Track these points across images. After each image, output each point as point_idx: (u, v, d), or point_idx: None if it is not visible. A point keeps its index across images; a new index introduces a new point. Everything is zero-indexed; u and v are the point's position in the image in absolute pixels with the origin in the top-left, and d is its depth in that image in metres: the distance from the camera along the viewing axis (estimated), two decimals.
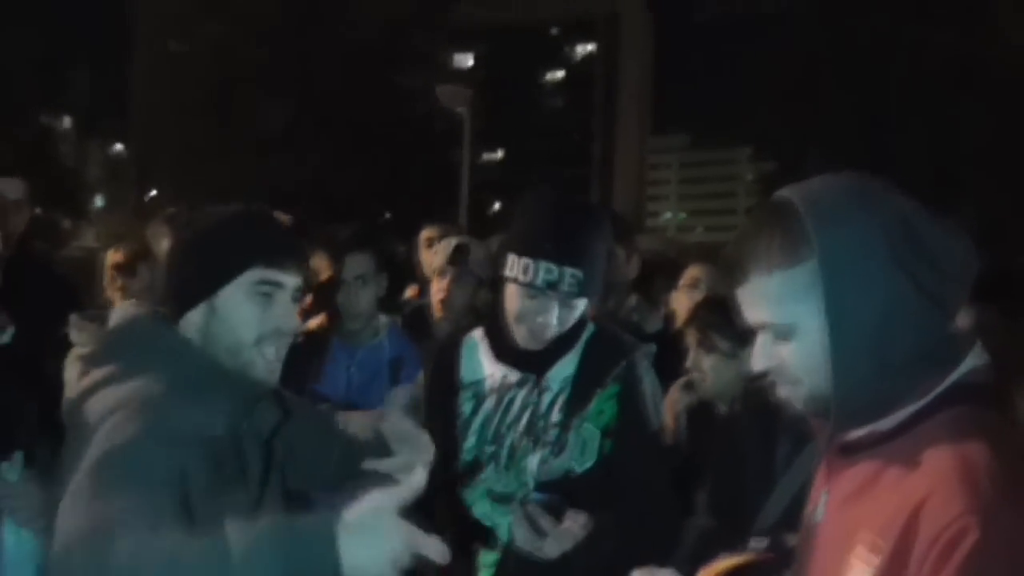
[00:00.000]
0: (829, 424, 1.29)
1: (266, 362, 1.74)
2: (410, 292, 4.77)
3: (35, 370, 2.86)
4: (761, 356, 1.32)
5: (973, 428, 1.20)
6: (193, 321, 1.74)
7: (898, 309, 1.19)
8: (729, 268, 1.30)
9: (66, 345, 3.13)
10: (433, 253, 4.03)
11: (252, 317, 1.72)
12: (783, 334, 1.27)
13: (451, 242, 3.79)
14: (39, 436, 2.04)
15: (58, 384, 2.70)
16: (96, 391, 1.68)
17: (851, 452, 1.30)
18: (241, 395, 1.75)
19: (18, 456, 1.85)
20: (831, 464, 1.36)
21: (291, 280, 1.77)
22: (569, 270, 2.12)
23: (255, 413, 1.79)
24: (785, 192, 1.29)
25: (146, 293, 3.04)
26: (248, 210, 1.81)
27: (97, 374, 1.70)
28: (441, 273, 3.71)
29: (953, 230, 1.24)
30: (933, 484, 1.15)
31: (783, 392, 1.33)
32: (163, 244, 2.74)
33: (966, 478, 1.13)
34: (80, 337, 1.78)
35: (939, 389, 1.23)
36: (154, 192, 34.65)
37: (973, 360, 1.25)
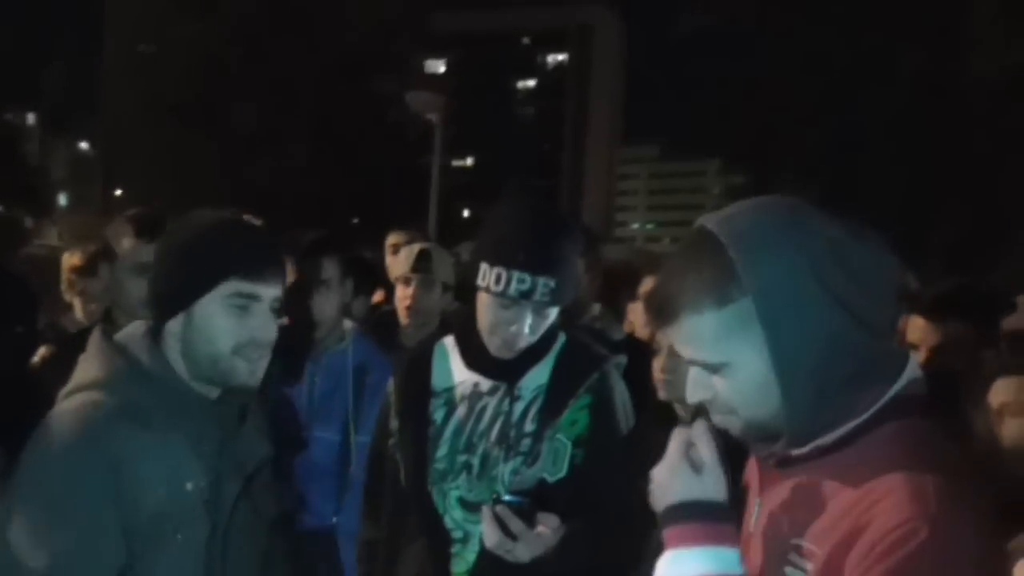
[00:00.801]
0: (763, 444, 1.32)
1: (246, 368, 1.77)
2: (376, 298, 4.74)
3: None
4: (695, 389, 1.33)
5: (912, 440, 1.23)
6: (173, 330, 1.78)
7: (835, 336, 1.21)
8: (658, 308, 1.30)
9: (25, 346, 3.09)
10: (397, 259, 4.01)
11: (228, 328, 1.75)
12: (716, 370, 1.28)
13: (414, 248, 3.77)
14: None
15: (15, 386, 2.67)
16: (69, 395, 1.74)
17: (788, 464, 1.31)
18: (214, 423, 1.79)
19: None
20: (764, 474, 1.38)
21: (268, 291, 1.79)
22: (542, 279, 2.12)
23: (237, 443, 1.82)
24: (709, 224, 1.28)
25: (106, 293, 3.00)
26: (228, 220, 1.84)
27: (81, 376, 1.76)
28: (405, 280, 3.69)
29: (877, 247, 1.25)
30: (880, 493, 1.17)
31: (717, 420, 1.34)
32: (124, 243, 2.71)
33: (913, 487, 1.16)
34: (91, 350, 1.80)
35: (878, 404, 1.25)
36: (119, 191, 34.33)
37: (909, 374, 1.28)
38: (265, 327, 1.79)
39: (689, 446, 1.34)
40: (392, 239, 4.76)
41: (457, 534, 2.22)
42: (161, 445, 1.69)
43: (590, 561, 2.12)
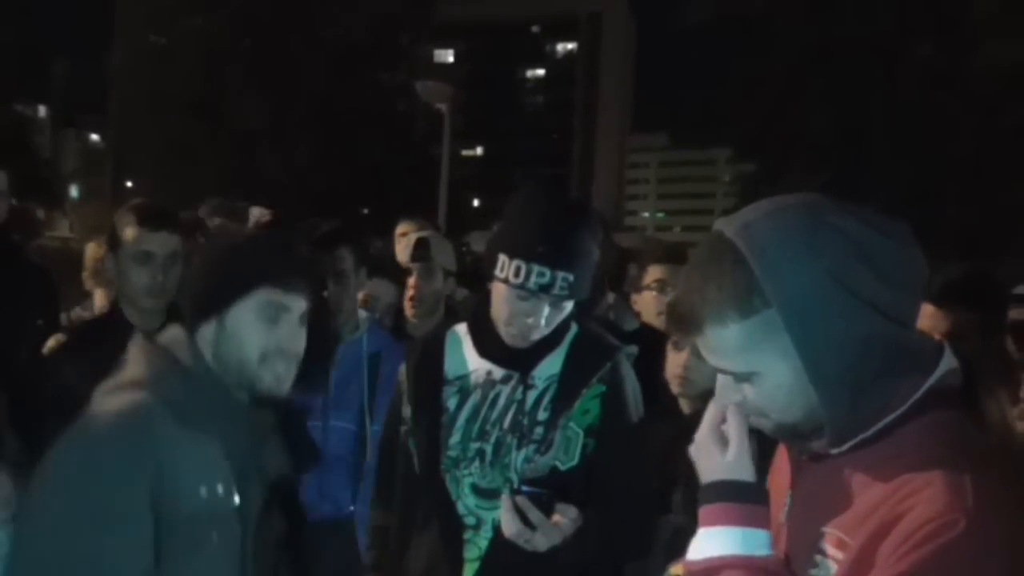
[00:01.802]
0: (799, 443, 1.32)
1: (273, 377, 1.82)
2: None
3: (7, 361, 2.83)
4: (724, 393, 1.34)
5: (951, 433, 1.23)
6: (205, 335, 1.83)
7: (865, 336, 1.21)
8: (681, 320, 1.31)
9: (42, 336, 3.11)
10: (399, 251, 4.03)
11: (257, 335, 1.81)
12: (744, 379, 1.29)
13: (412, 238, 3.80)
14: (9, 427, 2.03)
15: (32, 375, 2.69)
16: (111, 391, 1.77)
17: (820, 458, 1.32)
18: (247, 429, 1.83)
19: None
20: (795, 464, 1.39)
21: (298, 304, 1.86)
22: (561, 273, 2.13)
23: (263, 451, 1.86)
24: (727, 231, 1.27)
25: (112, 283, 3.02)
26: (264, 233, 1.93)
27: (124, 376, 1.79)
28: (408, 271, 3.72)
29: (903, 239, 1.25)
30: (916, 485, 1.17)
31: (750, 422, 1.34)
32: (127, 232, 2.74)
33: (950, 481, 1.15)
34: (132, 353, 1.85)
35: (916, 396, 1.25)
36: (130, 183, 34.42)
37: (945, 365, 1.27)
38: (293, 338, 1.85)
39: (720, 424, 1.35)
40: (401, 228, 4.79)
41: (470, 520, 2.24)
42: (200, 446, 1.73)
43: (602, 548, 2.14)
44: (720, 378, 1.33)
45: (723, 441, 1.34)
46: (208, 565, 1.71)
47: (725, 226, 1.28)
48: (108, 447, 1.66)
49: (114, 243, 2.76)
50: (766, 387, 1.27)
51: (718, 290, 1.24)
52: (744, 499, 1.31)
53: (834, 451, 1.29)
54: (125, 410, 1.71)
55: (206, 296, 1.84)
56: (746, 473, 1.32)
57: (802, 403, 1.25)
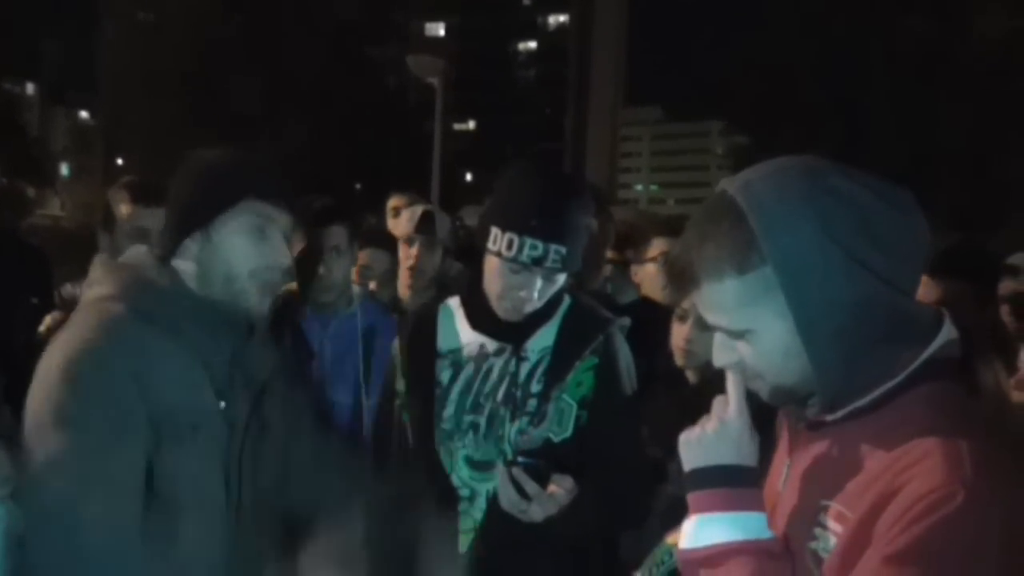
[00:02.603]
0: (792, 408, 1.32)
1: (259, 292, 1.81)
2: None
3: (3, 339, 2.83)
4: (721, 353, 1.33)
5: (950, 403, 1.22)
6: (189, 250, 1.81)
7: (860, 300, 1.20)
8: (679, 275, 1.30)
9: (37, 314, 3.10)
10: (399, 221, 4.01)
11: (246, 249, 1.80)
12: (740, 336, 1.28)
13: (417, 210, 3.78)
14: (3, 404, 2.03)
15: (25, 352, 2.68)
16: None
17: (819, 426, 1.31)
18: (229, 330, 1.82)
19: (5, 410, 1.84)
20: (793, 436, 1.38)
21: (283, 217, 1.84)
22: (554, 246, 2.13)
23: (247, 351, 1.85)
24: (729, 188, 1.27)
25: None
26: (244, 152, 1.90)
27: (89, 294, 1.80)
28: (408, 241, 3.70)
29: (905, 206, 1.24)
30: (914, 457, 1.17)
31: (746, 385, 1.34)
32: (122, 209, 2.73)
33: (948, 452, 1.15)
34: (95, 274, 1.84)
35: (914, 365, 1.24)
36: (121, 161, 34.25)
37: (944, 335, 1.26)
38: (281, 251, 1.84)
39: (722, 407, 1.34)
40: (393, 202, 4.77)
41: (464, 492, 2.25)
42: (175, 346, 1.73)
43: (598, 519, 2.15)
44: (717, 337, 1.33)
45: (725, 425, 1.33)
46: (192, 460, 1.72)
47: (727, 184, 1.28)
48: (88, 349, 1.67)
49: (108, 221, 2.75)
50: (762, 347, 1.26)
51: (716, 246, 1.24)
52: (742, 483, 1.30)
53: (829, 418, 1.29)
54: (97, 316, 1.72)
55: (191, 208, 1.82)
56: (751, 457, 1.31)
57: (797, 365, 1.25)
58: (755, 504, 1.30)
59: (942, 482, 1.12)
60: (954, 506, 1.10)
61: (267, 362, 1.92)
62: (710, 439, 1.33)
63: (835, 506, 1.23)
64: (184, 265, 1.82)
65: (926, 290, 2.26)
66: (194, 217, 1.81)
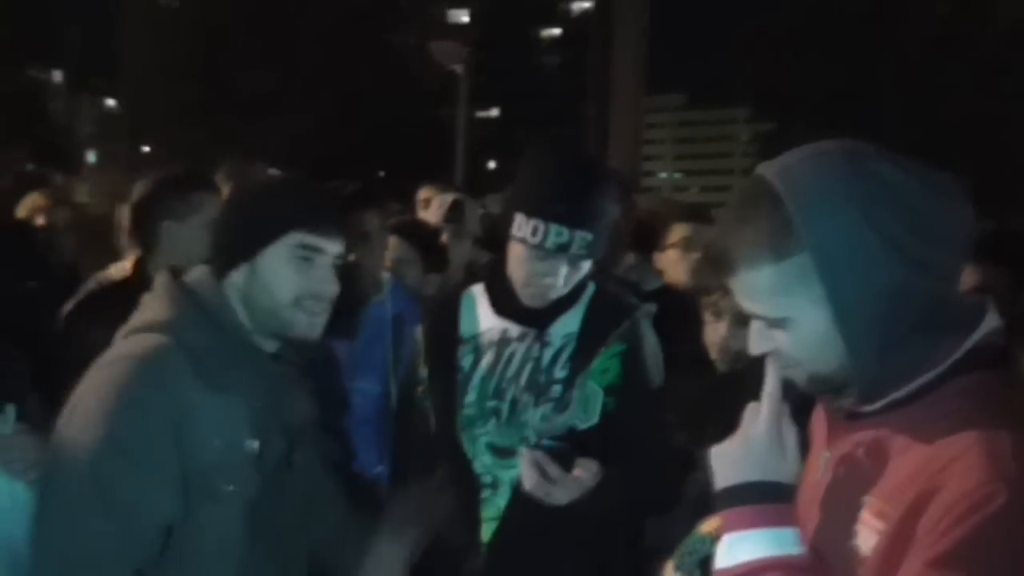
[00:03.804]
0: (830, 397, 1.29)
1: (306, 320, 1.78)
2: None
3: (30, 325, 2.83)
4: (758, 342, 1.31)
5: (991, 395, 1.19)
6: (235, 282, 1.79)
7: (899, 289, 1.17)
8: (716, 261, 1.28)
9: (44, 300, 3.10)
10: (429, 212, 4.02)
11: (291, 279, 1.76)
12: (777, 325, 1.26)
13: (447, 199, 3.79)
14: (32, 391, 2.04)
15: (53, 339, 2.70)
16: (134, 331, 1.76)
17: (858, 417, 1.29)
18: (268, 379, 1.80)
19: (10, 409, 1.84)
20: (833, 425, 1.35)
21: (332, 247, 1.81)
22: (580, 233, 2.11)
23: (285, 401, 1.83)
24: (767, 173, 1.24)
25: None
26: (295, 177, 1.89)
27: (138, 320, 1.78)
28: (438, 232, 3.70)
29: (948, 193, 1.21)
30: (954, 452, 1.14)
31: (785, 373, 1.31)
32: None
33: (991, 447, 1.12)
34: (154, 292, 1.82)
35: (955, 356, 1.21)
36: (147, 148, 34.45)
37: (988, 324, 1.23)
38: (327, 281, 1.81)
39: (752, 417, 1.31)
40: (424, 193, 4.77)
41: (487, 479, 2.24)
42: (218, 395, 1.70)
43: (622, 504, 2.14)
44: (753, 324, 1.30)
45: (763, 437, 1.29)
46: (222, 515, 1.70)
47: (765, 169, 1.25)
48: (127, 392, 1.65)
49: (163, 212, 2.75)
50: (798, 334, 1.24)
51: (753, 232, 1.22)
52: (767, 499, 1.28)
53: (867, 409, 1.26)
54: (145, 354, 1.69)
55: (237, 240, 1.80)
56: (787, 473, 1.28)
57: (834, 353, 1.22)
58: (784, 520, 1.27)
59: (984, 480, 1.09)
60: (996, 505, 1.07)
61: (304, 408, 1.90)
62: (738, 455, 1.31)
63: (875, 502, 1.20)
64: (231, 297, 1.80)
65: (964, 277, 2.22)
66: (239, 249, 1.79)
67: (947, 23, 19.97)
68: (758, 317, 1.28)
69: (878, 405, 1.25)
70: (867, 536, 1.20)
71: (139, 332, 1.75)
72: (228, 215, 1.86)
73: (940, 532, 1.09)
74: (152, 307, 1.78)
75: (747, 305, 1.28)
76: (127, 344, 1.74)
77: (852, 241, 1.16)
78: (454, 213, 3.67)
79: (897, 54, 20.14)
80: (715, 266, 1.29)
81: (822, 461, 1.36)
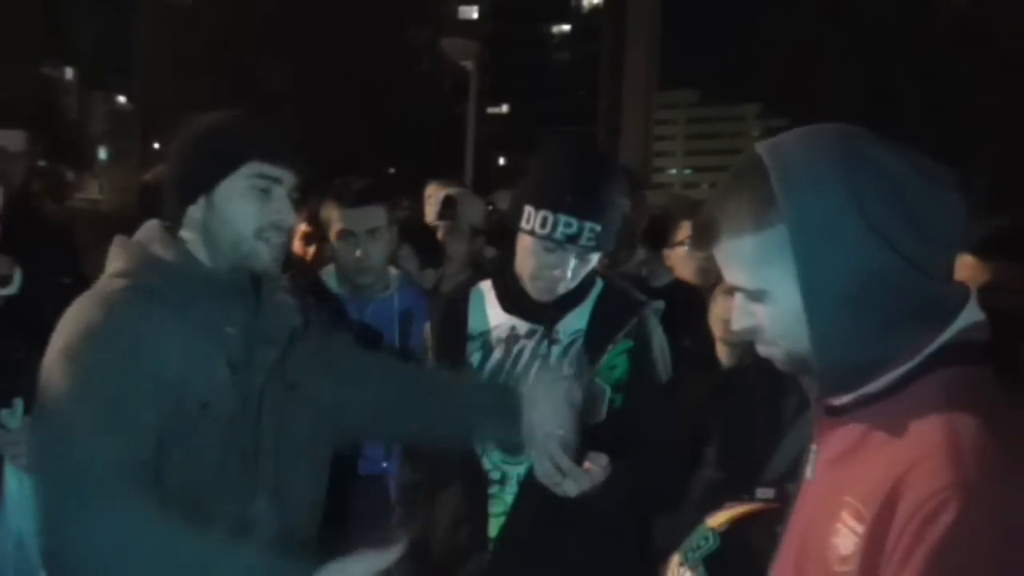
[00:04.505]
0: (809, 380, 1.28)
1: (267, 250, 1.79)
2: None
3: (37, 319, 2.85)
4: (739, 316, 1.30)
5: (964, 391, 1.16)
6: (193, 217, 1.79)
7: (873, 273, 1.15)
8: (702, 229, 1.28)
9: (67, 294, 3.12)
10: (426, 209, 4.03)
11: (251, 210, 1.77)
12: (756, 297, 1.25)
13: (439, 196, 3.79)
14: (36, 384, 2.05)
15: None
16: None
17: (838, 413, 1.27)
18: (241, 298, 1.80)
19: (19, 403, 1.85)
20: (820, 422, 1.33)
21: (288, 176, 1.81)
22: (588, 224, 2.11)
23: (262, 315, 1.83)
24: (761, 147, 1.24)
25: None
26: (244, 112, 1.87)
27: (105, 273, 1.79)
28: (435, 230, 3.71)
29: (942, 183, 1.18)
30: (918, 454, 1.11)
31: (762, 351, 1.30)
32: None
33: (952, 449, 1.09)
34: (111, 252, 1.83)
35: (929, 350, 1.18)
36: (157, 145, 34.59)
37: (967, 318, 1.20)
38: (286, 211, 1.81)
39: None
40: (430, 190, 4.78)
41: (495, 475, 2.25)
42: (182, 323, 1.71)
43: (631, 497, 2.14)
44: (736, 299, 1.30)
45: None
46: (198, 432, 1.70)
47: (759, 145, 1.25)
48: (86, 327, 1.66)
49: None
50: (776, 309, 1.23)
51: (737, 201, 1.22)
52: None
53: (841, 402, 1.25)
54: (100, 295, 1.72)
55: (193, 175, 1.80)
56: None
57: (807, 332, 1.20)
58: None
59: (940, 487, 1.06)
60: (948, 518, 1.04)
61: (287, 320, 1.89)
62: None
63: (853, 502, 1.18)
64: (189, 234, 1.81)
65: (975, 273, 2.20)
66: (196, 184, 1.79)
67: (964, 17, 19.87)
68: (739, 289, 1.28)
69: (849, 399, 1.24)
70: (846, 536, 1.18)
71: (97, 286, 1.78)
72: (183, 150, 1.83)
73: (901, 555, 1.07)
74: (109, 265, 1.80)
75: (729, 276, 1.28)
76: (86, 294, 1.76)
77: (832, 218, 1.15)
78: (447, 210, 3.67)
79: (916, 50, 20.06)
80: (701, 235, 1.29)
81: (811, 456, 1.34)
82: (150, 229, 1.84)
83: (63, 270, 3.41)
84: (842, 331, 1.18)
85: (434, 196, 4.03)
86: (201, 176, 1.78)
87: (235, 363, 1.76)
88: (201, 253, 1.80)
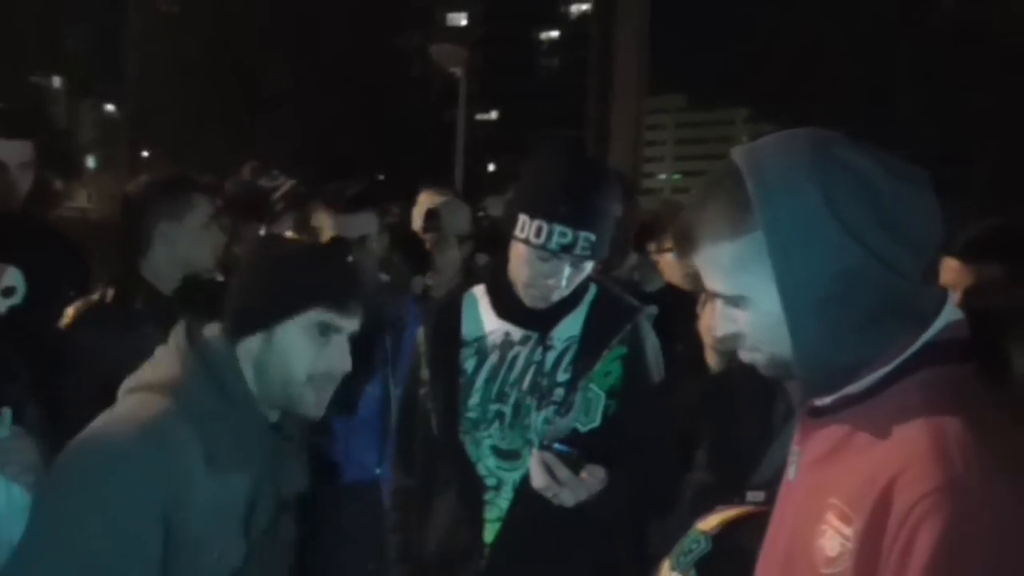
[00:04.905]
0: (793, 385, 1.29)
1: (315, 398, 1.77)
2: None
3: (33, 329, 2.84)
4: (721, 323, 1.30)
5: (947, 390, 1.17)
6: (249, 348, 1.76)
7: (850, 276, 1.16)
8: (680, 236, 1.29)
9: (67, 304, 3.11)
10: (413, 219, 4.03)
11: (307, 355, 1.74)
12: (735, 303, 1.26)
13: (423, 208, 3.80)
14: (30, 395, 2.04)
15: (56, 344, 2.70)
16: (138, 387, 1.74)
17: (821, 414, 1.28)
18: (269, 451, 1.79)
19: (6, 412, 1.85)
20: (803, 424, 1.34)
21: (350, 324, 1.79)
22: (583, 233, 2.12)
23: (282, 471, 1.83)
24: (736, 153, 1.25)
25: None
26: (321, 247, 1.88)
27: (147, 375, 1.76)
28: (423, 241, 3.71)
29: (916, 184, 1.19)
30: (906, 456, 1.12)
31: (744, 356, 1.31)
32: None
33: (939, 450, 1.10)
34: (163, 349, 1.80)
35: (911, 350, 1.19)
36: (146, 153, 34.50)
37: (946, 317, 1.21)
38: (342, 360, 1.79)
39: None
40: (422, 198, 4.76)
41: (490, 482, 2.25)
42: (214, 463, 1.68)
43: (627, 506, 2.15)
44: (717, 305, 1.30)
45: None
46: None
47: (735, 151, 1.27)
48: (123, 451, 1.62)
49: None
50: (756, 315, 1.24)
51: (714, 208, 1.23)
52: None
53: (823, 403, 1.25)
54: (147, 416, 1.66)
55: (257, 309, 1.77)
56: None
57: (788, 336, 1.21)
58: None
59: (929, 489, 1.07)
60: (941, 519, 1.05)
61: (299, 481, 1.89)
62: None
63: (838, 504, 1.18)
64: (242, 362, 1.77)
65: (959, 276, 2.22)
66: (258, 318, 1.76)
67: (960, 17, 19.91)
68: (718, 295, 1.28)
69: (831, 400, 1.24)
70: (832, 537, 1.18)
71: (144, 390, 1.72)
72: (251, 278, 1.82)
73: (897, 559, 1.07)
74: (161, 364, 1.76)
75: (708, 283, 1.28)
76: (129, 401, 1.72)
77: (807, 222, 1.15)
78: (431, 223, 3.69)
79: (911, 51, 20.08)
80: (680, 242, 1.30)
81: (794, 457, 1.35)
82: (217, 344, 1.78)
83: (70, 283, 3.39)
84: (822, 334, 1.19)
85: (422, 206, 4.03)
86: (265, 312, 1.76)
87: (248, 513, 1.76)
88: (249, 383, 1.77)
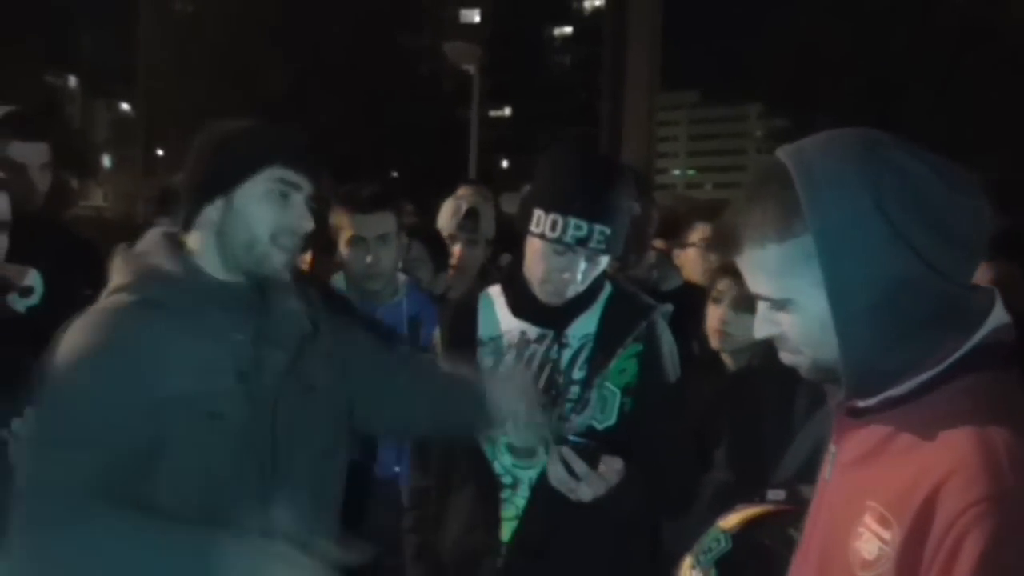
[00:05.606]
0: (838, 388, 1.27)
1: (280, 256, 1.81)
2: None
3: (51, 329, 2.85)
4: (762, 325, 1.29)
5: (994, 396, 1.16)
6: (209, 218, 1.81)
7: (899, 280, 1.14)
8: (724, 237, 1.27)
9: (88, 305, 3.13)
10: (442, 214, 3.99)
11: (268, 214, 1.79)
12: (780, 306, 1.25)
13: (461, 207, 3.77)
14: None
15: None
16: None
17: (860, 414, 1.26)
18: (248, 305, 1.82)
19: (29, 412, 1.86)
20: (840, 423, 1.33)
21: (307, 183, 1.84)
22: (598, 226, 2.12)
23: (272, 322, 1.84)
24: (783, 153, 1.23)
25: None
26: (266, 121, 1.90)
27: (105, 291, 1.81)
28: (451, 238, 3.70)
29: (965, 187, 1.18)
30: (951, 464, 1.10)
31: (786, 359, 1.30)
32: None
33: (987, 458, 1.09)
34: (113, 265, 1.85)
35: (957, 354, 1.18)
36: (161, 152, 34.67)
37: (994, 320, 1.20)
38: (302, 217, 1.83)
39: None
40: (461, 191, 4.71)
41: (507, 480, 2.25)
42: (184, 334, 1.72)
43: (644, 502, 2.15)
44: (759, 307, 1.29)
45: None
46: (209, 439, 1.71)
47: (781, 151, 1.24)
48: (76, 342, 1.68)
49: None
50: (801, 319, 1.22)
51: (761, 210, 1.21)
52: None
53: (861, 404, 1.25)
54: (98, 310, 1.74)
55: (213, 175, 1.81)
56: None
57: (835, 340, 1.20)
58: None
59: (977, 498, 1.06)
60: (990, 528, 1.04)
61: (296, 326, 1.89)
62: None
63: (877, 507, 1.17)
64: (199, 238, 1.82)
65: (978, 272, 2.21)
66: (216, 185, 1.80)
67: (968, 14, 19.80)
68: (762, 298, 1.27)
69: (874, 401, 1.23)
70: (869, 540, 1.17)
71: (101, 301, 1.79)
72: (204, 151, 1.85)
73: (941, 567, 1.07)
74: (112, 277, 1.82)
75: (752, 285, 1.27)
76: (89, 310, 1.77)
77: (857, 226, 1.14)
78: (469, 223, 3.66)
79: (921, 47, 19.98)
80: (723, 244, 1.28)
81: (829, 458, 1.34)
82: (152, 239, 1.85)
83: (86, 282, 3.41)
84: (871, 340, 1.18)
85: (448, 204, 3.98)
86: (222, 176, 1.80)
87: (244, 371, 1.76)
88: (210, 258, 1.82)
